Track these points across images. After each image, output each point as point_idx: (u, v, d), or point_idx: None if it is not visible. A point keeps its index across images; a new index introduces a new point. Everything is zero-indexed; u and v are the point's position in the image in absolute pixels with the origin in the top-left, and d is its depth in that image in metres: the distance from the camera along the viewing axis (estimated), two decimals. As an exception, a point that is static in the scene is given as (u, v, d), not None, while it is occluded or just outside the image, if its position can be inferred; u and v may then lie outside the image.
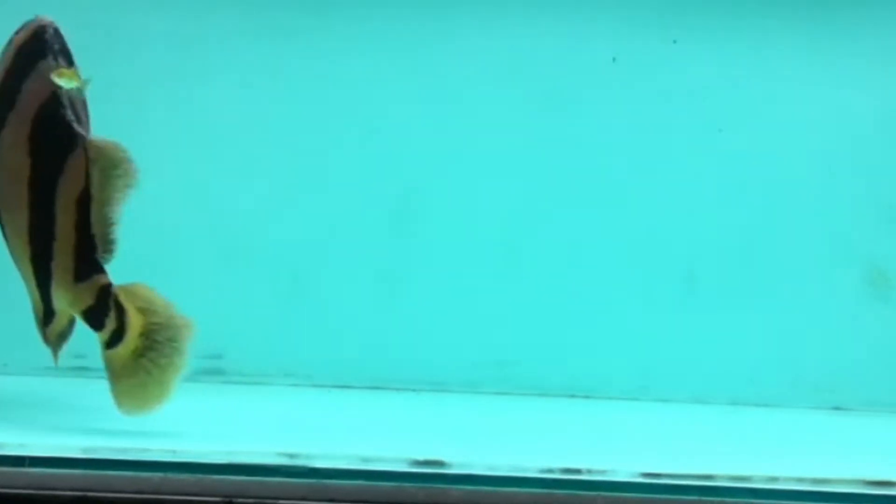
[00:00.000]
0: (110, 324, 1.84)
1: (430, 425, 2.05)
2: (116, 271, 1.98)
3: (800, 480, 1.61)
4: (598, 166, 2.34)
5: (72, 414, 2.00)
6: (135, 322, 1.83)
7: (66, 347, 1.91)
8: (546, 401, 2.30)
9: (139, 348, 1.84)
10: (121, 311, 1.83)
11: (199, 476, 1.57)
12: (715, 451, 1.88)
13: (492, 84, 2.34)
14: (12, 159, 1.86)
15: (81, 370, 2.29)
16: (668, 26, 2.34)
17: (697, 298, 2.34)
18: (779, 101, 2.33)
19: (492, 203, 2.34)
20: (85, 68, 1.87)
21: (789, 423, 2.22)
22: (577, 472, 1.60)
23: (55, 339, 1.90)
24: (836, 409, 2.32)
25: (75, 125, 1.84)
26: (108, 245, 1.84)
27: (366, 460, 1.60)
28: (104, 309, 1.84)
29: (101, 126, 1.89)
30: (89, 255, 1.83)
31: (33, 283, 1.87)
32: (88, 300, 1.84)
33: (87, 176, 1.83)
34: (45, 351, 1.91)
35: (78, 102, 1.87)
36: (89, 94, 1.89)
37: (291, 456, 1.60)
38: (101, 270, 1.84)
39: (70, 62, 1.87)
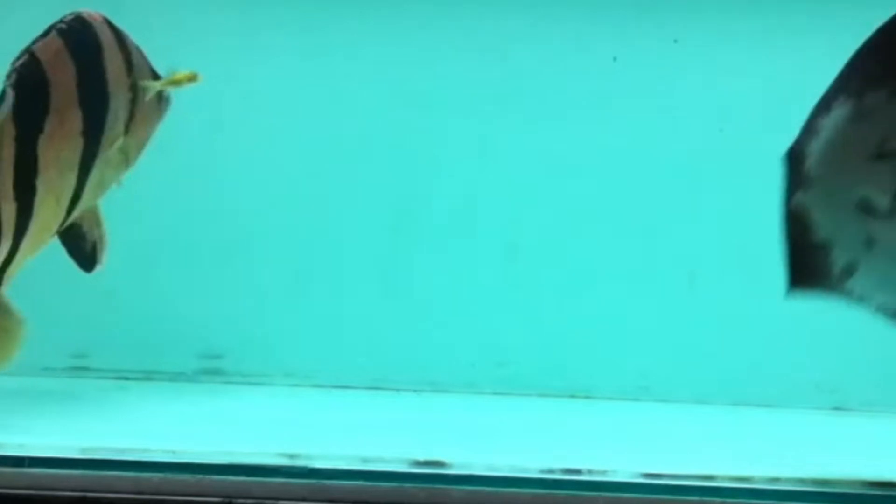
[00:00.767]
0: None
1: (431, 425, 2.05)
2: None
3: (801, 481, 1.61)
4: (598, 166, 2.34)
5: (71, 414, 2.00)
6: None
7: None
8: (546, 401, 2.30)
9: None
10: None
11: (199, 476, 1.57)
12: (716, 452, 1.88)
13: (492, 84, 2.34)
14: None
15: (81, 370, 2.30)
16: (668, 26, 2.34)
17: (698, 298, 2.33)
18: (779, 100, 2.33)
19: (492, 203, 2.34)
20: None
21: (790, 423, 2.22)
22: (578, 472, 1.60)
23: None
24: (837, 409, 2.31)
25: None
26: None
27: (366, 461, 1.60)
28: None
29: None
30: None
31: None
32: None
33: None
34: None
35: None
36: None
37: (291, 456, 1.60)
38: None
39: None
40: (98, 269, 2.08)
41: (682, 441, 2.02)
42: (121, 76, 2.00)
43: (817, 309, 2.32)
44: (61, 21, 1.92)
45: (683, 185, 2.34)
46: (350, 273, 2.34)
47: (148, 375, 2.32)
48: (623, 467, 1.62)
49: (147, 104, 2.05)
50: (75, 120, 1.92)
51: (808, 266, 1.57)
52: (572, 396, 2.33)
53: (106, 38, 1.97)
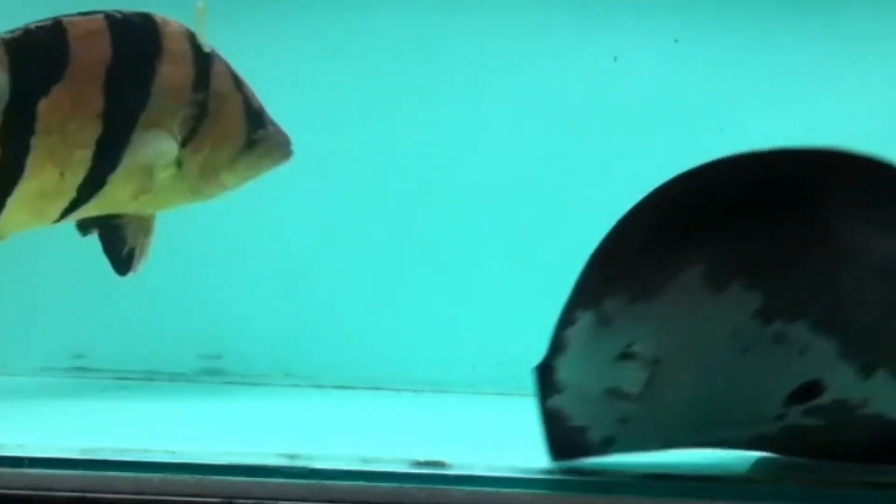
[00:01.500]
0: None
1: (431, 426, 2.04)
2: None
3: (802, 481, 1.61)
4: (598, 166, 2.34)
5: (71, 414, 2.00)
6: None
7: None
8: (546, 401, 2.29)
9: None
10: None
11: (199, 477, 1.57)
12: (717, 452, 1.88)
13: (492, 83, 2.34)
14: None
15: (81, 370, 2.30)
16: (669, 26, 2.34)
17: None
18: (780, 100, 2.33)
19: (492, 203, 2.34)
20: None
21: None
22: (579, 472, 1.60)
23: None
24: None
25: None
26: None
27: (366, 461, 1.59)
28: None
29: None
30: None
31: None
32: None
33: None
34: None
35: None
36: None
37: (292, 457, 1.60)
38: None
39: None
40: (130, 275, 2.07)
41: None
42: (182, 87, 1.99)
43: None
44: (120, 11, 1.93)
45: (684, 185, 2.33)
46: (350, 273, 2.34)
47: (148, 375, 2.32)
48: (624, 467, 1.62)
49: (233, 130, 2.05)
50: (94, 100, 1.92)
51: (566, 445, 1.61)
52: (572, 397, 2.32)
53: (174, 45, 1.97)
